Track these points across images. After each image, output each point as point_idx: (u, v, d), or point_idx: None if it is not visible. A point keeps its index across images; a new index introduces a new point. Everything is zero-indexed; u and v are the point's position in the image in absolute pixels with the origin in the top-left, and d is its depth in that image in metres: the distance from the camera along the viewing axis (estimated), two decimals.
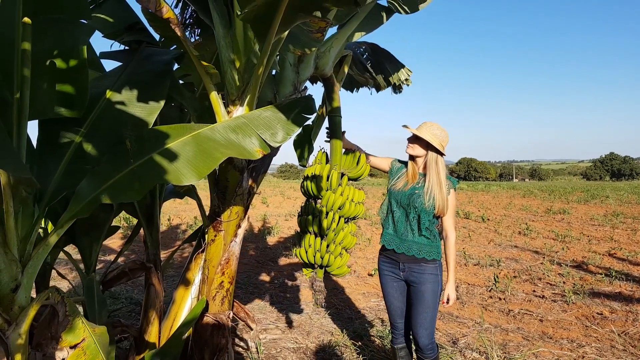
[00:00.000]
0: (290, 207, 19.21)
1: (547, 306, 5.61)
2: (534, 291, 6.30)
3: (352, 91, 4.66)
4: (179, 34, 1.60)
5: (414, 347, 3.16)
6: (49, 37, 1.59)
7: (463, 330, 4.79)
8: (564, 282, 6.68)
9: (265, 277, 7.21)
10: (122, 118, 1.85)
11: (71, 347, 1.40)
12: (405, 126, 2.98)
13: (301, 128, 2.03)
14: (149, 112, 1.90)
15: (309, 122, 3.74)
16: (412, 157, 3.05)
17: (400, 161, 3.23)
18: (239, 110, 2.12)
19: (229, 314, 2.25)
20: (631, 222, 13.53)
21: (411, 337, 3.15)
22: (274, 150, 2.72)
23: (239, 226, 2.29)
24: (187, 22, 2.72)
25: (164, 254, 6.42)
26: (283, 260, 8.41)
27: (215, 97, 2.05)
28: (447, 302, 2.98)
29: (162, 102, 1.96)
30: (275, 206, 20.29)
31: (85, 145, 1.73)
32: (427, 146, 2.94)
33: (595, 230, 11.99)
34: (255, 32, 1.96)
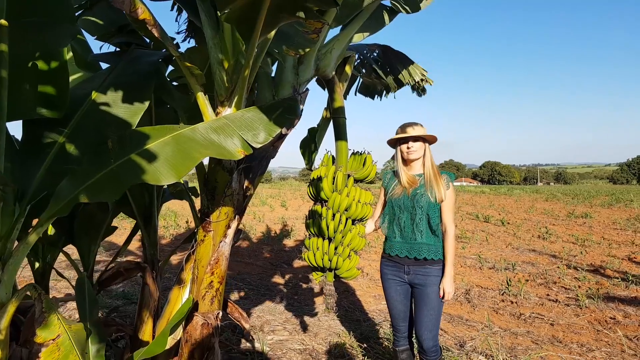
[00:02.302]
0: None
1: (560, 310, 5.49)
2: (548, 295, 6.18)
3: (372, 97, 4.64)
4: (156, 34, 1.62)
5: (417, 349, 3.13)
6: (31, 39, 1.62)
7: (472, 334, 4.72)
8: (579, 286, 6.53)
9: (278, 280, 7.23)
10: (106, 119, 1.88)
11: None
12: (391, 140, 3.06)
13: (282, 129, 2.02)
14: (133, 112, 1.92)
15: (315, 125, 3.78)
16: (406, 163, 3.08)
17: (389, 170, 3.30)
18: (227, 111, 2.14)
19: (218, 313, 2.26)
20: None
21: (414, 339, 3.12)
22: (272, 152, 2.73)
23: (228, 227, 2.30)
24: (184, 25, 2.75)
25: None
26: (297, 263, 8.42)
27: (202, 98, 2.07)
28: (443, 297, 2.94)
29: (147, 103, 1.99)
30: (294, 209, 20.37)
31: (68, 146, 1.76)
32: (423, 141, 3.01)
33: (616, 235, 11.70)
34: (239, 32, 1.97)
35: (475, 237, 11.42)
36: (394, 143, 3.09)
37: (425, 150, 3.01)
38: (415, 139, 2.98)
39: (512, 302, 5.85)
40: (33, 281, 2.90)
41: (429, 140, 3.03)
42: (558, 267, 7.79)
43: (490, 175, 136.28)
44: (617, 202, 23.05)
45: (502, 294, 6.20)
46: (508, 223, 14.50)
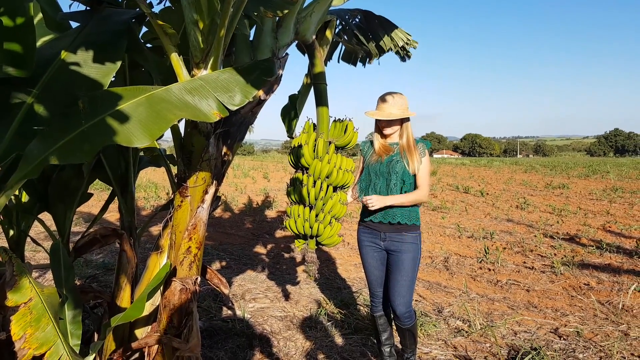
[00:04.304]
0: None
1: (535, 277, 5.63)
2: (524, 262, 6.33)
3: (354, 64, 4.57)
4: None
5: (392, 315, 3.19)
6: None
7: (450, 300, 4.83)
8: (554, 254, 6.70)
9: (260, 249, 7.26)
10: (76, 79, 1.81)
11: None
12: (369, 113, 3.03)
13: (258, 91, 1.98)
14: (105, 73, 1.86)
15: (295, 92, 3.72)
16: (384, 134, 3.09)
17: (367, 140, 3.33)
18: (203, 73, 2.07)
19: (196, 278, 2.25)
20: (629, 197, 13.50)
21: (389, 305, 3.18)
22: (251, 118, 2.68)
23: (206, 192, 2.27)
24: None
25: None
26: (279, 233, 8.45)
27: (175, 59, 2.01)
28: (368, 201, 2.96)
29: (119, 63, 1.92)
30: (276, 181, 20.35)
31: (36, 107, 1.70)
32: (401, 120, 3.03)
33: (592, 205, 11.97)
34: None
35: (454, 207, 11.57)
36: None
37: (402, 124, 3.03)
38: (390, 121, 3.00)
39: (489, 270, 5.98)
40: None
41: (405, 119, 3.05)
42: (535, 236, 7.96)
43: (471, 147, 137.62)
44: (593, 174, 23.54)
45: (480, 262, 6.33)
46: (487, 194, 14.72)
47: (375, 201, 2.92)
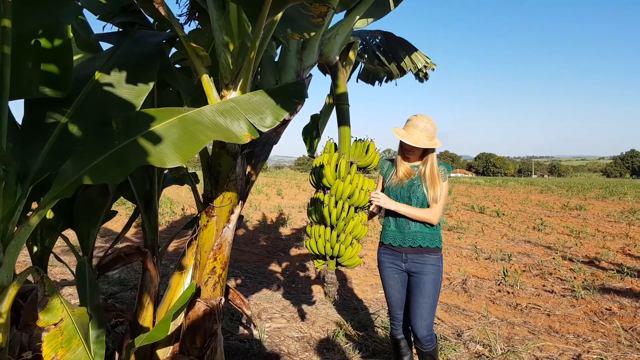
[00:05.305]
0: (305, 198, 19.23)
1: (556, 301, 5.52)
2: (544, 286, 6.21)
3: (372, 84, 4.59)
4: (162, 13, 1.57)
5: (413, 339, 3.13)
6: (33, 16, 1.57)
7: (469, 323, 4.74)
8: (574, 278, 6.56)
9: (275, 268, 7.22)
10: (109, 100, 1.84)
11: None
12: (397, 133, 2.97)
13: (290, 113, 1.98)
14: (137, 94, 1.88)
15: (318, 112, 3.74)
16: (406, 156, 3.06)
17: (387, 159, 3.28)
18: (232, 95, 2.10)
19: (221, 299, 2.24)
20: None
21: (410, 328, 3.12)
22: (275, 138, 2.69)
23: (232, 212, 2.27)
24: (185, 8, 2.69)
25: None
26: (294, 252, 8.41)
27: (206, 80, 2.03)
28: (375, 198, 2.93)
29: (152, 85, 1.94)
30: (290, 198, 20.37)
31: (71, 127, 1.72)
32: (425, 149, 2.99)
33: (610, 227, 11.77)
34: (246, 13, 1.93)
35: (470, 227, 11.45)
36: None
37: (427, 151, 2.99)
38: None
39: (508, 293, 5.87)
40: (30, 266, 2.86)
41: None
42: (553, 259, 7.83)
43: (485, 166, 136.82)
44: (610, 195, 23.20)
45: (499, 284, 6.23)
46: (503, 214, 14.55)
47: (382, 199, 2.91)
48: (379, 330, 4.47)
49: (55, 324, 1.43)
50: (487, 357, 3.88)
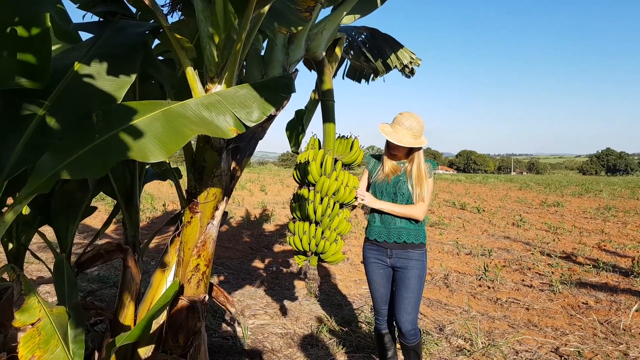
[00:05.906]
0: (288, 195, 19.18)
1: (535, 295, 5.60)
2: (523, 280, 6.30)
3: (359, 81, 4.57)
4: (146, 2, 1.52)
5: (397, 333, 3.14)
6: (9, 3, 1.50)
7: (450, 318, 4.78)
8: (552, 273, 6.69)
9: (258, 264, 7.17)
10: (89, 92, 1.77)
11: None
12: (383, 130, 2.96)
13: (276, 108, 1.94)
14: (119, 86, 1.82)
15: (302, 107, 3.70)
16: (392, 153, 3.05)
17: (372, 156, 3.28)
18: (218, 88, 2.05)
19: (204, 297, 2.20)
20: (622, 216, 13.59)
21: (394, 322, 3.13)
22: (261, 133, 2.65)
23: (216, 208, 2.23)
24: None
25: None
26: (278, 248, 8.37)
27: (191, 73, 1.97)
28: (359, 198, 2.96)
29: (134, 77, 1.88)
30: (274, 194, 20.30)
31: (48, 119, 1.65)
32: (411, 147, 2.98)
33: (587, 223, 12.01)
34: (233, 5, 1.88)
35: (452, 223, 11.56)
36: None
37: (414, 149, 2.98)
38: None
39: (489, 287, 5.94)
40: (6, 264, 2.77)
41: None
42: (532, 254, 7.95)
43: (466, 163, 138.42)
44: (587, 192, 23.68)
45: (479, 279, 6.30)
46: (484, 210, 14.74)
47: (367, 199, 2.93)
48: (363, 325, 4.47)
49: (32, 324, 1.37)
50: (469, 351, 3.91)
